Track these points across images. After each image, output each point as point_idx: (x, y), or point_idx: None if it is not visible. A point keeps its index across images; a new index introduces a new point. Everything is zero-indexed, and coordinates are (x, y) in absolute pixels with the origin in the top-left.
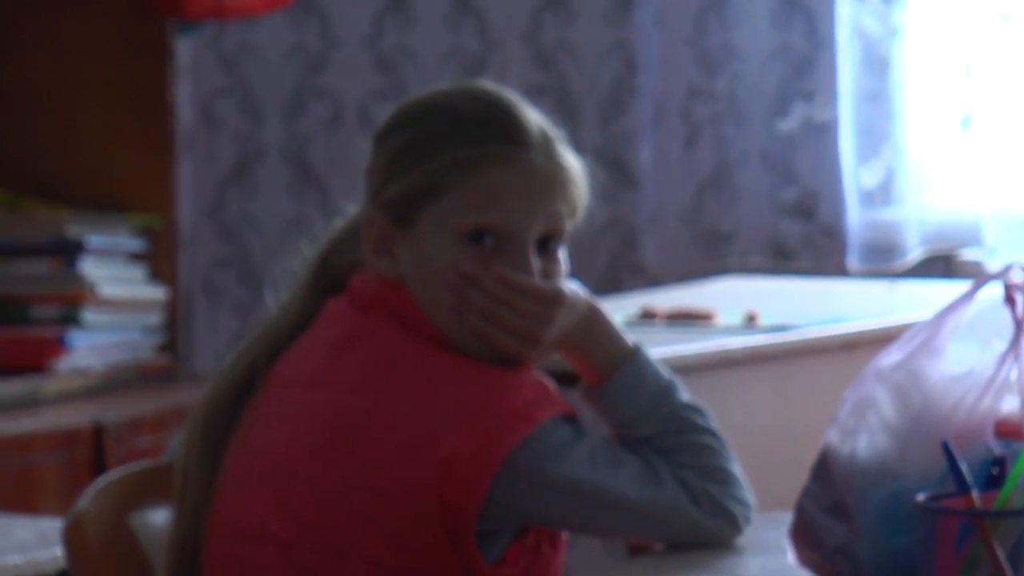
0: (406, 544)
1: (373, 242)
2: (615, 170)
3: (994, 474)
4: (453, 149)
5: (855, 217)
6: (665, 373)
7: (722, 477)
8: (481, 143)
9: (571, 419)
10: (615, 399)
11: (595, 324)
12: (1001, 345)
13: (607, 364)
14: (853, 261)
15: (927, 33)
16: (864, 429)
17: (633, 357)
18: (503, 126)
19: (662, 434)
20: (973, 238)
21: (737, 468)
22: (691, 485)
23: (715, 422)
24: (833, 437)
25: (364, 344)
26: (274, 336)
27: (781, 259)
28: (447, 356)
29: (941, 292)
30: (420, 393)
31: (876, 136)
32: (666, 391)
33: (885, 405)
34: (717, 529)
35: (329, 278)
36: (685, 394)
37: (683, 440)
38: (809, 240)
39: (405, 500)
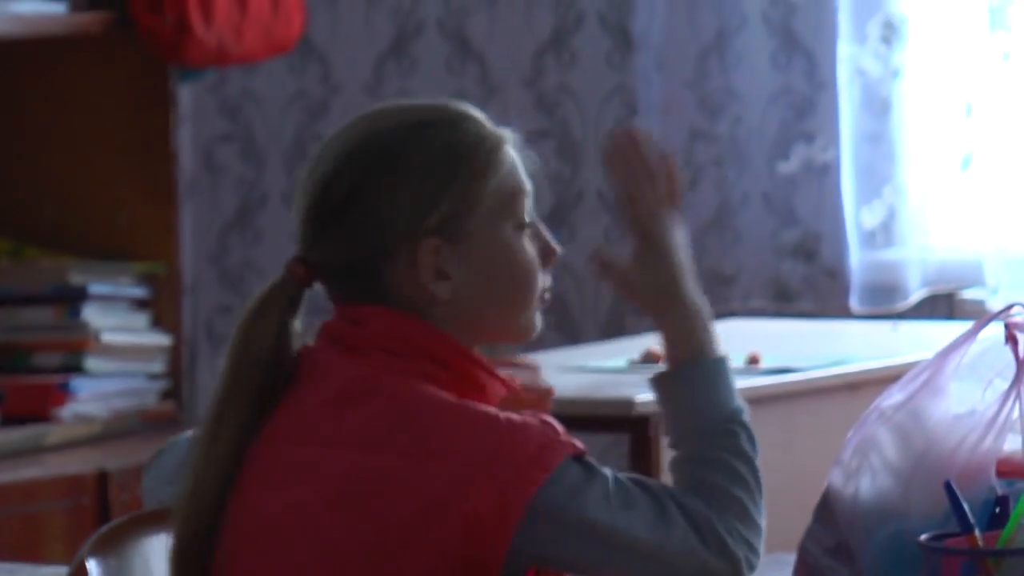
0: None
1: (434, 269)
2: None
3: (996, 513)
4: (472, 153)
5: (856, 258)
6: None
7: (741, 514)
8: (484, 137)
9: (582, 458)
10: (692, 384)
11: (690, 294)
12: (1003, 384)
13: (695, 346)
14: (855, 302)
15: (927, 73)
16: (867, 470)
17: (720, 355)
18: (482, 119)
19: (711, 444)
20: (975, 278)
21: (761, 516)
22: (701, 518)
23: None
24: (836, 478)
25: (372, 397)
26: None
27: (783, 301)
28: (458, 406)
29: (943, 332)
30: (436, 449)
31: (877, 177)
32: (736, 404)
33: (887, 446)
34: (721, 570)
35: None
36: (748, 421)
37: (726, 461)
38: (811, 281)
39: (427, 559)
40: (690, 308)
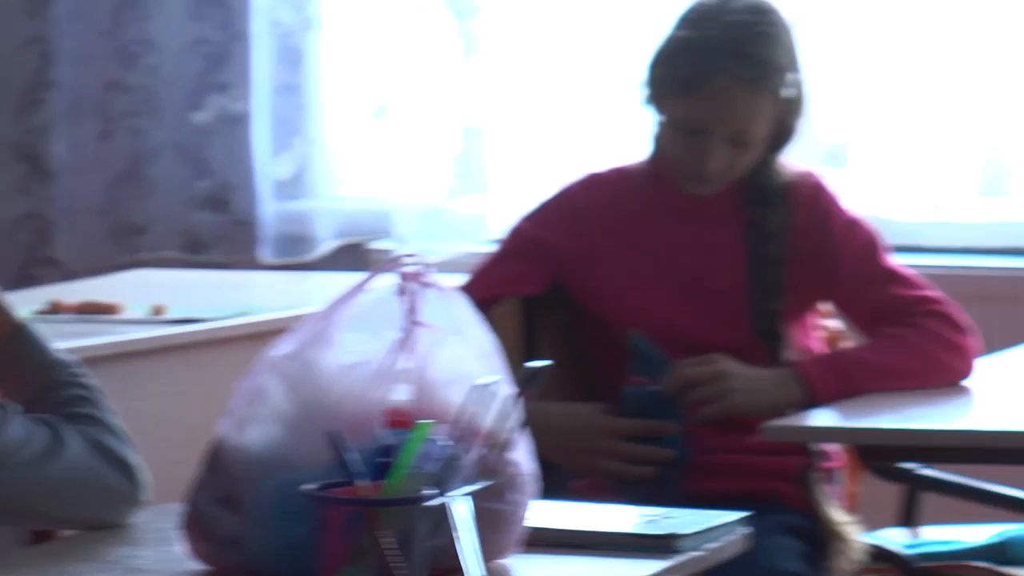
0: None
1: None
2: (30, 164)
3: (383, 463)
4: None
5: (268, 209)
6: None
7: (120, 432)
8: None
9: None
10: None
11: None
12: (394, 335)
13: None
14: (267, 253)
15: (342, 24)
16: (256, 419)
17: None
18: None
19: (63, 389)
20: (385, 229)
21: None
22: (94, 440)
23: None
24: (226, 427)
25: None
26: None
27: (195, 251)
28: None
29: (352, 283)
30: None
31: (290, 128)
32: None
33: (277, 395)
34: (120, 485)
35: None
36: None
37: (82, 396)
38: (222, 232)
39: None
40: None
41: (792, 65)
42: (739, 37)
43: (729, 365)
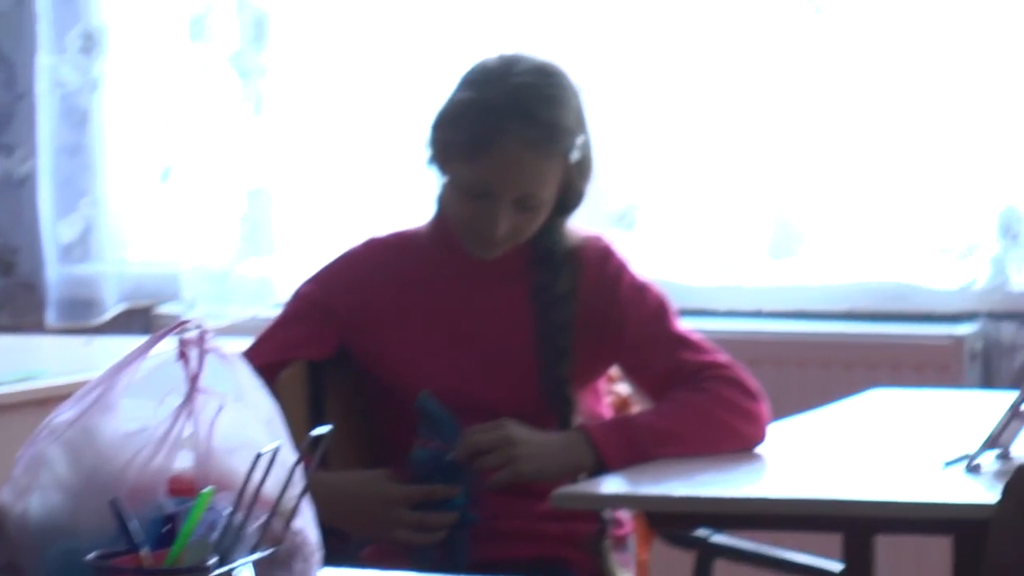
0: None
1: None
2: None
3: (166, 532)
4: None
5: (54, 272)
6: None
7: None
8: None
9: None
10: None
11: None
12: (176, 401)
13: None
14: (51, 316)
15: (127, 84)
16: (37, 487)
17: None
18: None
19: None
20: (172, 292)
21: None
22: None
23: None
24: (6, 496)
25: None
26: None
27: None
28: None
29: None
30: None
31: (75, 190)
32: None
33: (58, 462)
34: None
35: None
36: None
37: None
38: (7, 295)
39: None
40: None
41: (580, 127)
42: (525, 99)
43: (517, 431)
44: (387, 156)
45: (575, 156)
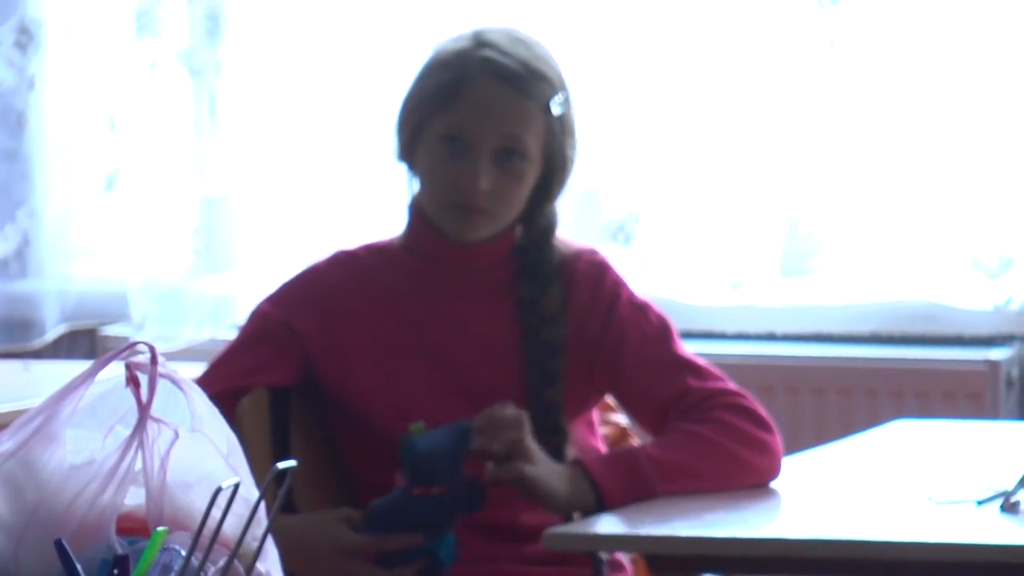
0: None
1: None
2: None
3: (116, 574)
4: None
5: None
6: None
7: None
8: None
9: None
10: None
11: None
12: (125, 431)
13: None
14: None
15: (66, 84)
16: None
17: None
18: None
19: None
20: (120, 312)
21: None
22: None
23: None
24: None
25: None
26: None
27: None
28: None
29: (80, 373)
30: None
31: (12, 199)
32: None
33: None
34: None
35: None
36: None
37: None
38: None
39: None
40: None
41: (559, 82)
42: (497, 43)
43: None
44: (356, 160)
45: (557, 109)
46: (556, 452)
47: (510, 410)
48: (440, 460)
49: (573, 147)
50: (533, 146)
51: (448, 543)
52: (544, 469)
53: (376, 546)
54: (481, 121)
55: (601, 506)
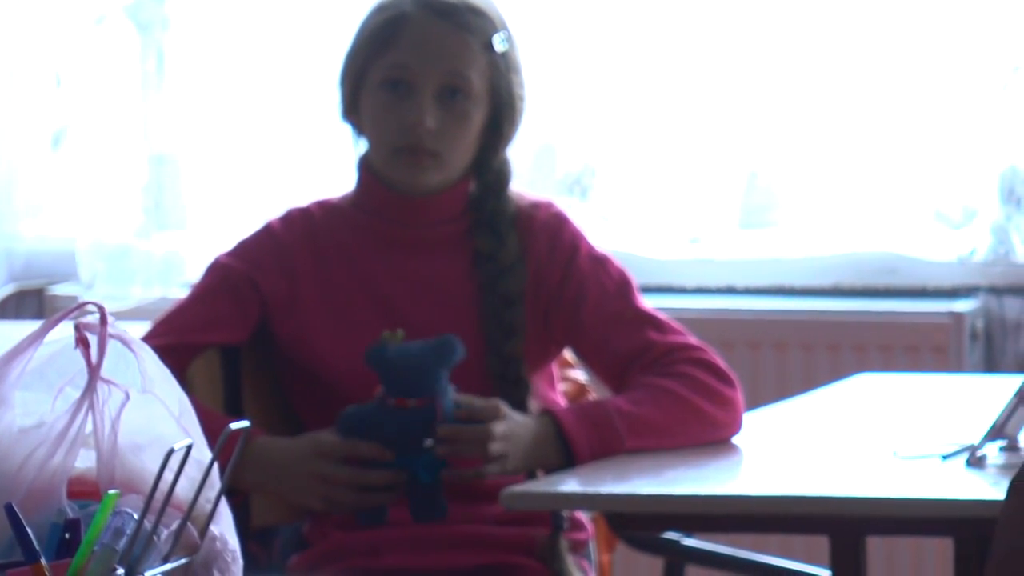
0: None
1: None
2: None
3: (67, 539)
4: None
5: None
6: None
7: None
8: None
9: None
10: None
11: None
12: (75, 393)
13: None
14: None
15: (10, 39)
16: None
17: None
18: None
19: None
20: (68, 272)
21: None
22: None
23: None
24: None
25: None
26: None
27: None
28: None
29: (27, 333)
30: None
31: None
32: None
33: None
34: None
35: None
36: None
37: None
38: None
39: None
40: None
41: (499, 20)
42: None
43: (511, 423)
44: (305, 116)
45: (500, 46)
46: (519, 404)
47: (479, 401)
48: (414, 371)
49: (521, 86)
50: (478, 84)
51: (427, 459)
52: (519, 448)
53: (349, 451)
54: (421, 59)
55: (569, 458)
